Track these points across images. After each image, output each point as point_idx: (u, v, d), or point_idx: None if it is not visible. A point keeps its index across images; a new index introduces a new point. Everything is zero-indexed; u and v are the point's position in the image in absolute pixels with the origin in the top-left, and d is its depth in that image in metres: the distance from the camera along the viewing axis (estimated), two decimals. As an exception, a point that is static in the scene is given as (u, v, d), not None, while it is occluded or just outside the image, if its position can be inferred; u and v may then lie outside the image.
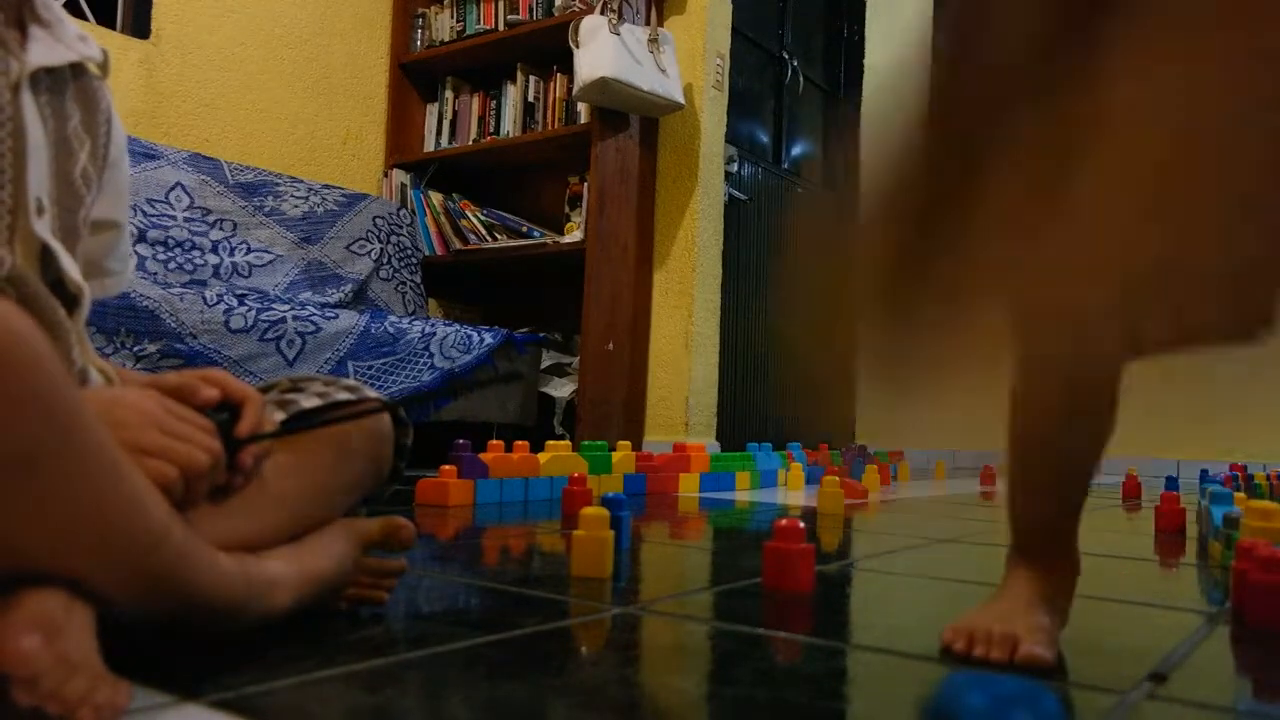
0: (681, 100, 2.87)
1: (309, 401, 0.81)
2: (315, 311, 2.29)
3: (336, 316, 2.30)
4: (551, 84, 3.12)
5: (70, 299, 0.74)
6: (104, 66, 0.82)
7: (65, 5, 2.50)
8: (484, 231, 3.17)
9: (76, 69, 0.79)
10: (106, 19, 2.65)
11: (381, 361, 2.33)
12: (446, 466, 1.84)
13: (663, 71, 2.82)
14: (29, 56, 0.73)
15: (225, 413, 0.72)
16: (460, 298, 3.39)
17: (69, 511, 0.54)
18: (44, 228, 0.72)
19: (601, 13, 2.76)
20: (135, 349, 1.92)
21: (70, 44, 0.77)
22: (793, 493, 2.54)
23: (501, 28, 3.16)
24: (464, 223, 3.19)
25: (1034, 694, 0.40)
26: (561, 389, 2.95)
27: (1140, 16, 0.20)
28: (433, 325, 2.48)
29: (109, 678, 0.53)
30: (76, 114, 0.78)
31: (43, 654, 0.50)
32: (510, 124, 3.18)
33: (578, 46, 2.74)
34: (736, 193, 3.29)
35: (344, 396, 0.84)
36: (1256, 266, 0.17)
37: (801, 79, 3.87)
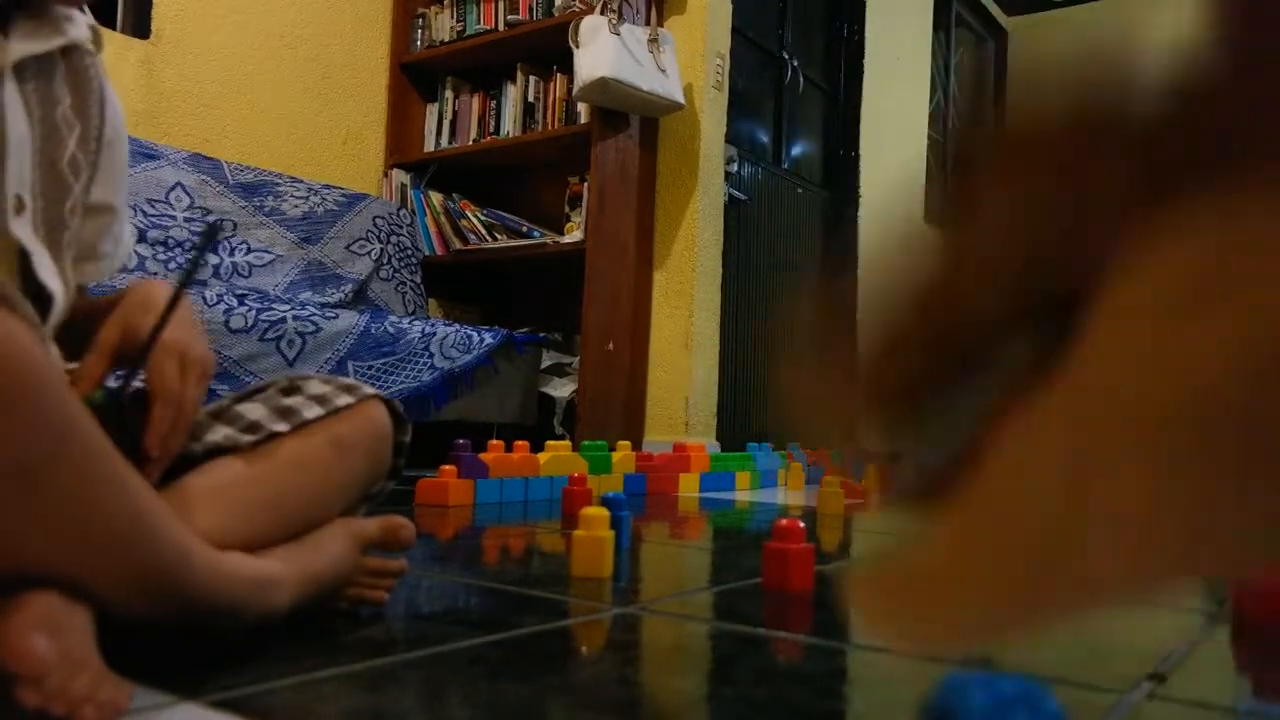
0: (681, 100, 2.87)
1: (311, 411, 0.81)
2: (315, 311, 2.29)
3: (336, 316, 2.30)
4: (551, 84, 3.12)
5: (45, 302, 0.73)
6: (96, 41, 0.81)
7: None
8: (484, 231, 3.17)
9: (66, 49, 0.78)
10: (106, 19, 2.65)
11: (381, 361, 2.33)
12: (446, 466, 1.84)
13: (663, 71, 2.82)
14: (12, 45, 0.72)
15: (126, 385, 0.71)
16: (460, 298, 3.39)
17: (68, 518, 0.54)
18: (23, 226, 0.71)
19: (601, 13, 2.76)
20: (135, 349, 1.92)
21: (56, 25, 0.76)
22: (793, 493, 2.54)
23: (501, 28, 3.16)
24: (464, 223, 3.19)
25: (1034, 694, 0.40)
26: (561, 389, 2.95)
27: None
28: (433, 325, 2.48)
29: (111, 677, 0.53)
30: (67, 98, 0.77)
31: (50, 652, 0.50)
32: (510, 124, 3.18)
33: (578, 46, 2.74)
34: (736, 193, 3.29)
35: (344, 400, 0.83)
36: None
37: (801, 79, 3.87)
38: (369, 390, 0.86)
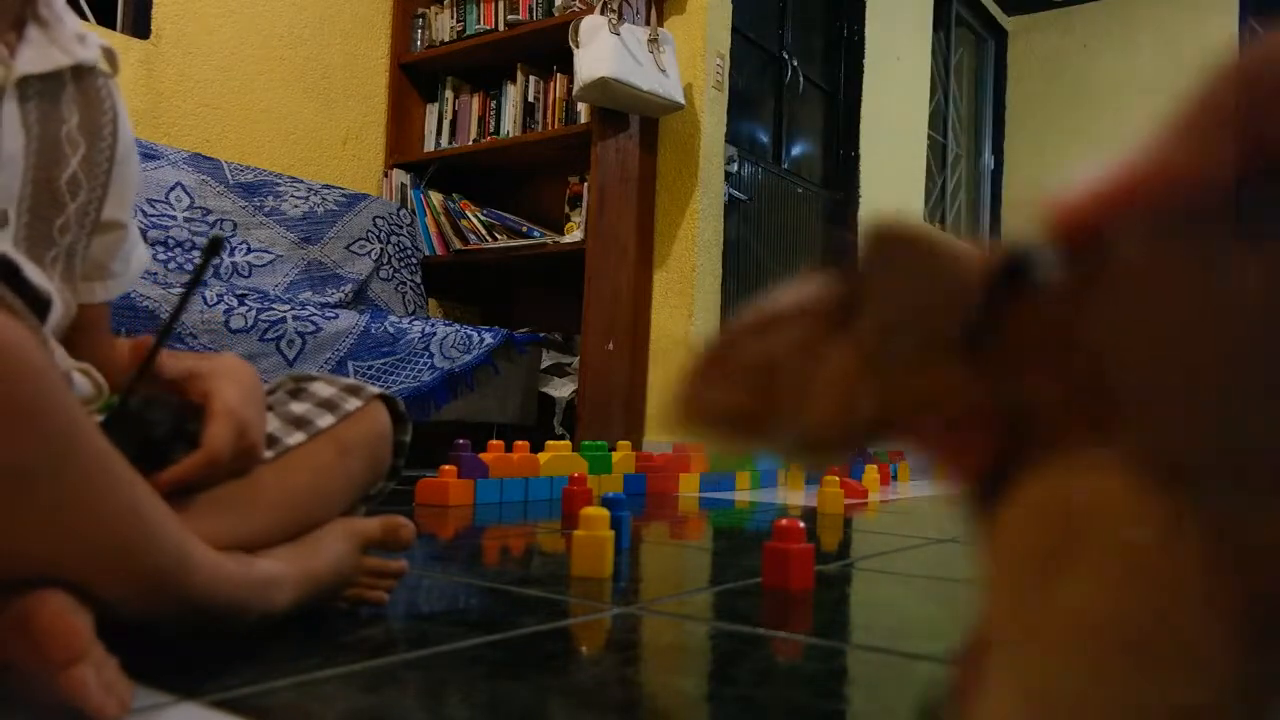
0: (682, 100, 2.87)
1: (323, 420, 0.81)
2: (315, 311, 2.29)
3: (336, 316, 2.30)
4: (551, 84, 3.12)
5: (42, 306, 0.73)
6: (113, 64, 0.81)
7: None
8: (484, 231, 3.17)
9: (78, 69, 0.78)
10: (107, 19, 2.65)
11: (381, 361, 2.33)
12: (446, 466, 1.84)
13: (663, 71, 2.82)
14: (17, 63, 0.72)
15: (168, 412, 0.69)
16: (460, 298, 3.39)
17: (69, 522, 0.54)
18: (3, 240, 0.71)
19: (601, 13, 2.76)
20: (135, 349, 1.92)
21: (66, 46, 0.76)
22: (793, 493, 2.54)
23: (501, 28, 3.16)
24: (464, 223, 3.19)
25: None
26: (561, 389, 2.95)
27: None
28: (433, 325, 2.48)
29: (119, 675, 0.53)
30: (75, 116, 0.77)
31: (89, 630, 0.51)
32: (510, 124, 3.18)
33: (578, 46, 2.74)
34: (736, 193, 3.29)
35: (353, 404, 0.83)
36: None
37: (801, 79, 3.87)
38: (373, 390, 0.86)
